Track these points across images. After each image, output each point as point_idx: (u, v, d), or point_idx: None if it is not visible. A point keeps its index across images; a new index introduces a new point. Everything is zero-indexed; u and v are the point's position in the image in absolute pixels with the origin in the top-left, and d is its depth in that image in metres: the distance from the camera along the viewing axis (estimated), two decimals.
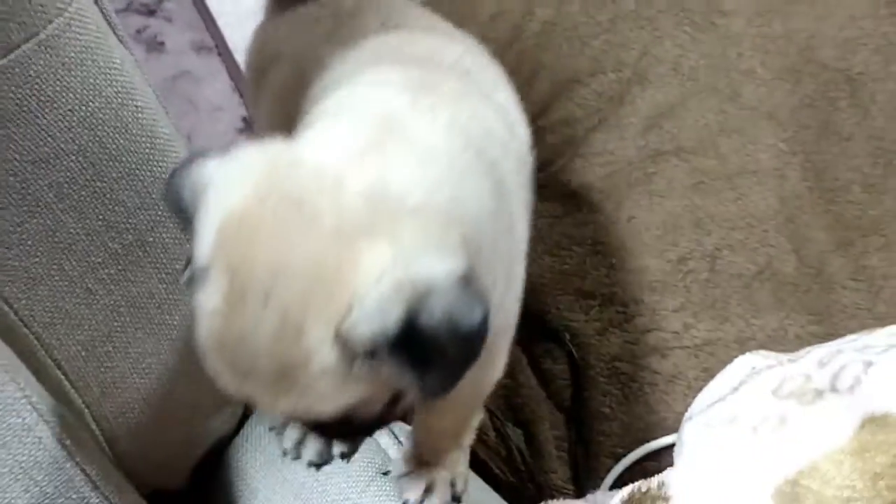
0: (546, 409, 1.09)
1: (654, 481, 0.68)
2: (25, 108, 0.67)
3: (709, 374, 0.78)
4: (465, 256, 0.50)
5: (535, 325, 1.12)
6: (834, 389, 0.61)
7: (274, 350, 0.48)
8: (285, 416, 0.61)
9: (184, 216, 0.54)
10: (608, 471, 0.99)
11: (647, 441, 1.00)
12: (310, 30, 0.88)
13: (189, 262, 0.54)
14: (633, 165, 1.16)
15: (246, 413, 0.96)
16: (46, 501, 0.68)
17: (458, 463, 0.83)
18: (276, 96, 0.89)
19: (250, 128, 1.62)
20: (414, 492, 0.79)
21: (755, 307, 1.08)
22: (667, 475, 0.67)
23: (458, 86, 0.72)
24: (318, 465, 0.83)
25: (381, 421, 0.60)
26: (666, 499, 0.65)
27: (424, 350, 0.48)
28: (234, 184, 0.51)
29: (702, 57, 1.22)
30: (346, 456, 0.73)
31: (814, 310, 1.07)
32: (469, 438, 0.83)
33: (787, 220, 1.15)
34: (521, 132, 0.79)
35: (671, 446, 0.76)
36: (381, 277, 0.46)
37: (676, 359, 1.05)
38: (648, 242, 1.11)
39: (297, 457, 0.84)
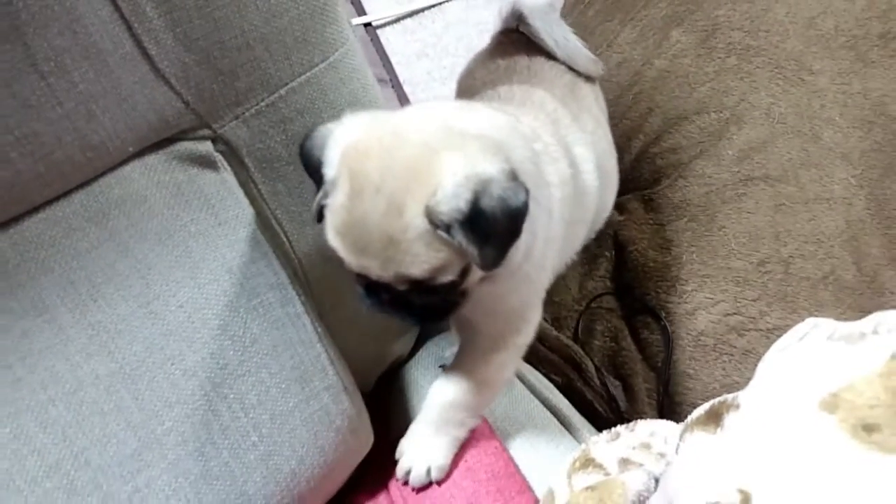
0: (641, 367, 1.18)
1: (729, 396, 0.78)
2: (314, 109, 0.82)
3: None
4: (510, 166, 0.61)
5: (636, 304, 1.22)
6: (875, 332, 0.68)
7: (383, 225, 0.62)
8: (388, 280, 0.66)
9: (313, 167, 0.67)
10: (688, 415, 1.01)
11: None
12: (484, 70, 1.06)
13: (318, 197, 0.67)
14: (727, 187, 1.19)
15: (417, 344, 1.09)
16: (302, 368, 0.81)
17: (441, 453, 0.84)
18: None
19: None
20: (400, 471, 0.85)
21: (819, 303, 1.12)
22: (739, 392, 0.78)
23: (535, 122, 0.83)
24: None
25: (454, 292, 0.70)
26: (737, 406, 0.76)
27: (484, 228, 0.61)
28: (351, 129, 0.66)
29: (790, 106, 1.24)
30: None
31: (866, 309, 1.03)
32: (463, 431, 0.84)
33: (851, 238, 1.18)
34: (588, 181, 0.90)
35: None
36: (457, 172, 0.60)
37: (751, 338, 1.11)
38: (735, 248, 1.16)
39: None
